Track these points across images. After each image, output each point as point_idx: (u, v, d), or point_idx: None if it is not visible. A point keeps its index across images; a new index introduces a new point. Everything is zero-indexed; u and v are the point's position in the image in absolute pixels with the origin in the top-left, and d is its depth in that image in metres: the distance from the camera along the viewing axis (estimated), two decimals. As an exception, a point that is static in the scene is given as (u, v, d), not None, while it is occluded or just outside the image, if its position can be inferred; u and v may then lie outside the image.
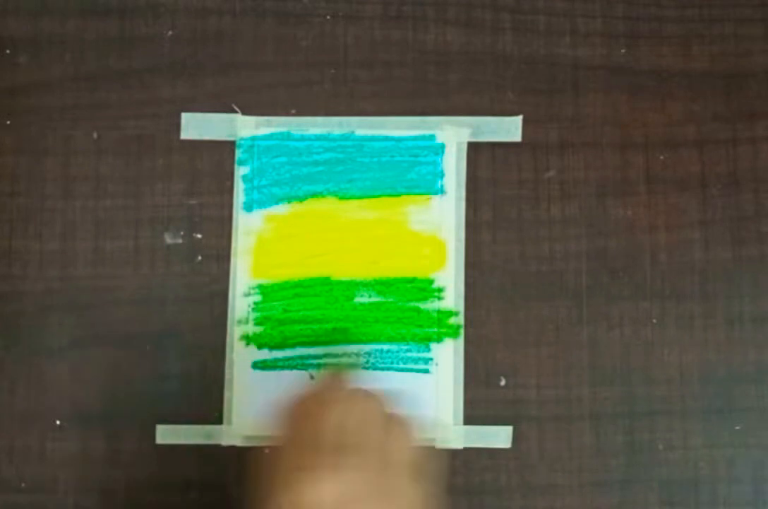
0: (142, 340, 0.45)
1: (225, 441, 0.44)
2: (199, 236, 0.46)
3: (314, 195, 0.46)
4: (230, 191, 0.46)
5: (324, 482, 0.32)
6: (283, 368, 0.45)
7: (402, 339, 0.45)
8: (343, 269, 0.45)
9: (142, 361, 0.45)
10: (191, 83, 0.46)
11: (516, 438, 0.44)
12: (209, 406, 0.44)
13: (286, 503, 0.32)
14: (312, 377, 0.44)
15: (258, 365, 0.45)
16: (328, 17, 0.47)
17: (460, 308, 0.45)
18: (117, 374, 0.45)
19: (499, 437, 0.44)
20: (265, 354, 0.45)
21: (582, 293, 0.45)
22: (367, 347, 0.45)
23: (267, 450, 0.43)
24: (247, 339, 0.45)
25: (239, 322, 0.45)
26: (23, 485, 0.44)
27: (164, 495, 0.44)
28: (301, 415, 0.35)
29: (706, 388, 0.45)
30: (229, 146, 0.46)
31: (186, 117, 0.46)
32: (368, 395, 0.36)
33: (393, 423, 0.35)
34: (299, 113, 0.46)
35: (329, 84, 0.47)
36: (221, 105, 0.46)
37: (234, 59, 0.47)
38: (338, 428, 0.34)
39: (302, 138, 0.46)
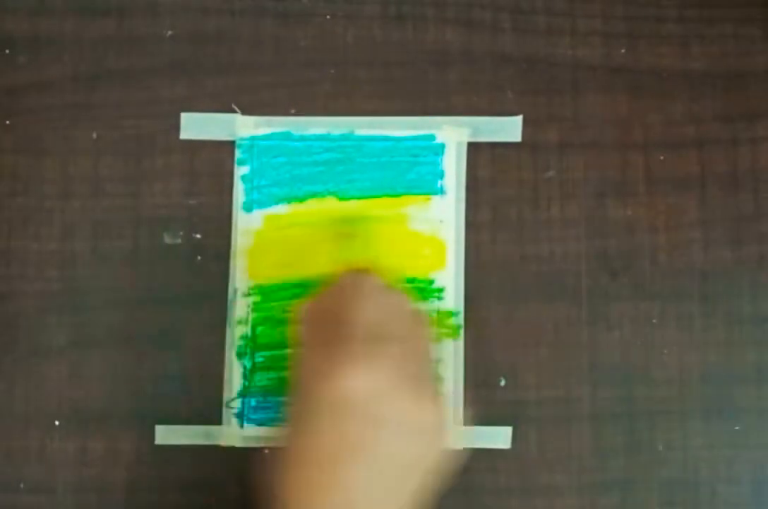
0: (142, 340, 0.45)
1: (225, 441, 0.44)
2: (198, 236, 0.46)
3: (314, 195, 0.46)
4: (230, 191, 0.46)
5: (361, 371, 0.33)
6: (282, 368, 0.45)
7: (402, 339, 0.45)
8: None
9: (141, 361, 0.45)
10: (191, 83, 0.46)
11: (516, 438, 0.44)
12: (209, 406, 0.44)
13: (326, 394, 0.33)
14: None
15: (259, 366, 0.45)
16: (328, 17, 0.47)
17: (460, 308, 0.45)
18: (117, 375, 0.45)
19: (498, 437, 0.44)
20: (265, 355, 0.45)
21: (582, 294, 0.45)
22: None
23: (266, 452, 0.43)
24: (247, 339, 0.45)
25: (239, 322, 0.45)
26: (23, 485, 0.44)
27: (164, 495, 0.44)
28: (327, 311, 0.37)
29: (706, 388, 0.45)
30: (228, 146, 0.46)
31: (186, 117, 0.46)
32: (392, 289, 0.38)
33: (416, 316, 0.38)
34: (299, 113, 0.46)
35: (329, 84, 0.46)
36: (221, 105, 0.46)
37: (234, 59, 0.47)
38: (369, 320, 0.35)
39: (302, 138, 0.46)
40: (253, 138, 0.46)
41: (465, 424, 0.44)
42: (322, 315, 0.37)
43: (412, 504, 0.35)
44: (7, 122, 0.46)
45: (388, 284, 0.39)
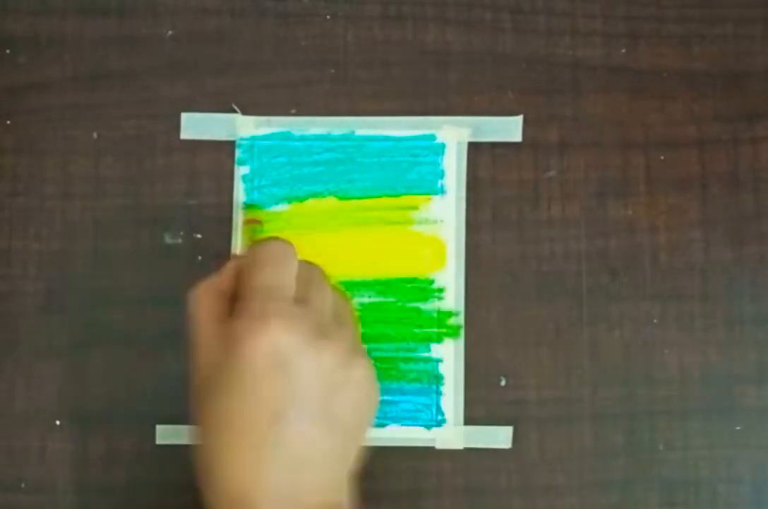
0: (142, 340, 0.45)
1: (225, 441, 0.44)
2: (199, 236, 0.46)
3: (314, 195, 0.46)
4: (230, 191, 0.46)
5: (283, 326, 0.33)
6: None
7: (402, 339, 0.45)
8: (343, 269, 0.45)
9: (142, 361, 0.45)
10: (191, 83, 0.46)
11: (516, 438, 0.44)
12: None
13: (248, 349, 0.33)
14: None
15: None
16: (328, 17, 0.47)
17: (460, 308, 0.45)
18: (117, 374, 0.45)
19: (499, 437, 0.44)
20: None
21: (582, 294, 0.45)
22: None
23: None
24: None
25: (239, 322, 0.45)
26: (23, 485, 0.44)
27: (164, 495, 0.44)
28: (234, 281, 0.36)
29: (707, 388, 0.45)
30: (229, 146, 0.46)
31: (186, 117, 0.46)
32: (313, 263, 0.38)
33: (330, 282, 0.38)
34: (299, 113, 0.46)
35: (329, 84, 0.47)
36: (221, 105, 0.46)
37: (234, 59, 0.47)
38: (283, 282, 0.35)
39: (302, 138, 0.46)
40: (253, 138, 0.46)
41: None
42: (229, 287, 0.36)
43: (355, 459, 0.35)
44: (7, 122, 0.46)
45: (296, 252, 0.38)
